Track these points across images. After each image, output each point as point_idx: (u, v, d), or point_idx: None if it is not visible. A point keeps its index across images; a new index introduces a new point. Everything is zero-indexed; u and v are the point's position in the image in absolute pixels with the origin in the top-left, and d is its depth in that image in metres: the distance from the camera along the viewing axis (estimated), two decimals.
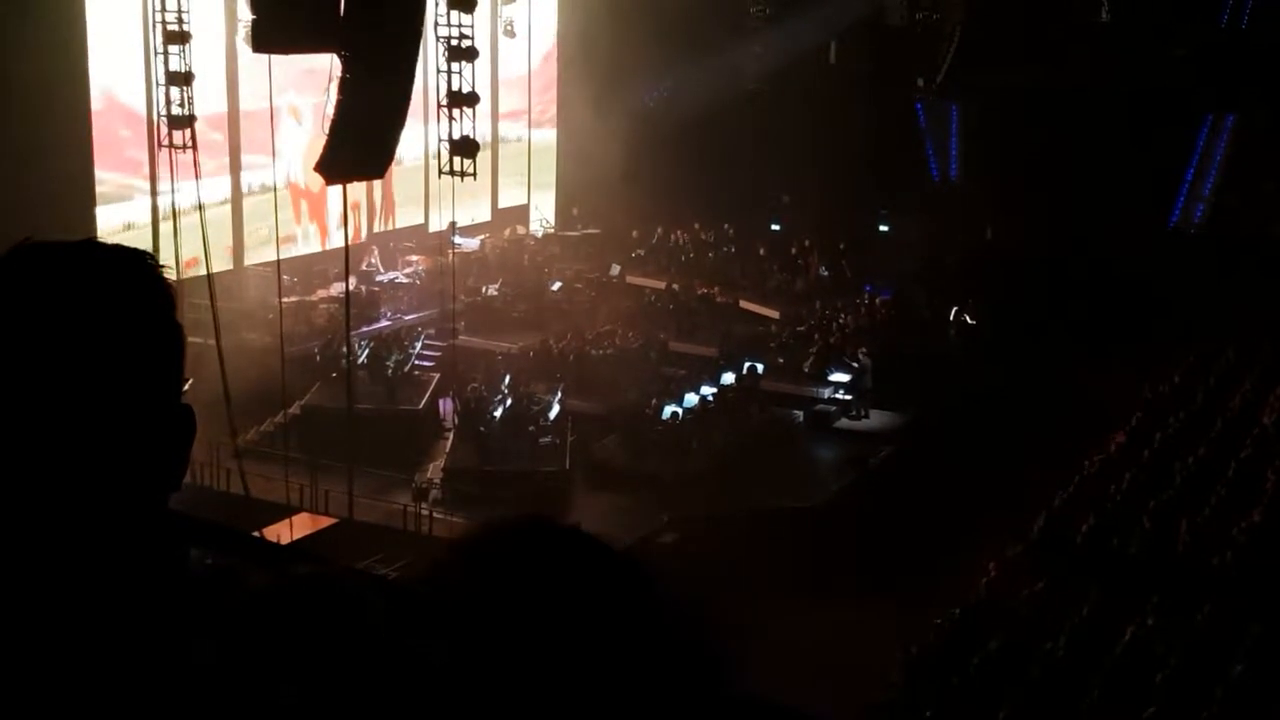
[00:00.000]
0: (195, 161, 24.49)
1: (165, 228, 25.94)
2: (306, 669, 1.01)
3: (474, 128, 25.59)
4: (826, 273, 35.85)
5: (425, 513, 22.41)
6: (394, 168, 25.83)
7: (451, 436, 25.40)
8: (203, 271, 23.78)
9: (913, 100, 38.96)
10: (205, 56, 26.79)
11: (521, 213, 38.49)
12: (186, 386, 1.27)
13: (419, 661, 0.94)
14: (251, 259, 29.08)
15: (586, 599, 0.95)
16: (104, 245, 1.25)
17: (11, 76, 22.92)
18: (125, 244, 1.28)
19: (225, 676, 1.13)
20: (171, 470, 1.23)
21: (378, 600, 1.04)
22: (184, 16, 24.44)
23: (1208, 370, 29.34)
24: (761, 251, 36.35)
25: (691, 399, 26.52)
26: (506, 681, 0.92)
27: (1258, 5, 37.31)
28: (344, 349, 25.53)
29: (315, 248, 31.06)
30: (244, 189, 29.96)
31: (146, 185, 27.15)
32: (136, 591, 1.18)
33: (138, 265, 1.24)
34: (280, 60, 24.66)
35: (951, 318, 32.72)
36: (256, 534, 18.17)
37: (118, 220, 27.12)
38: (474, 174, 26.21)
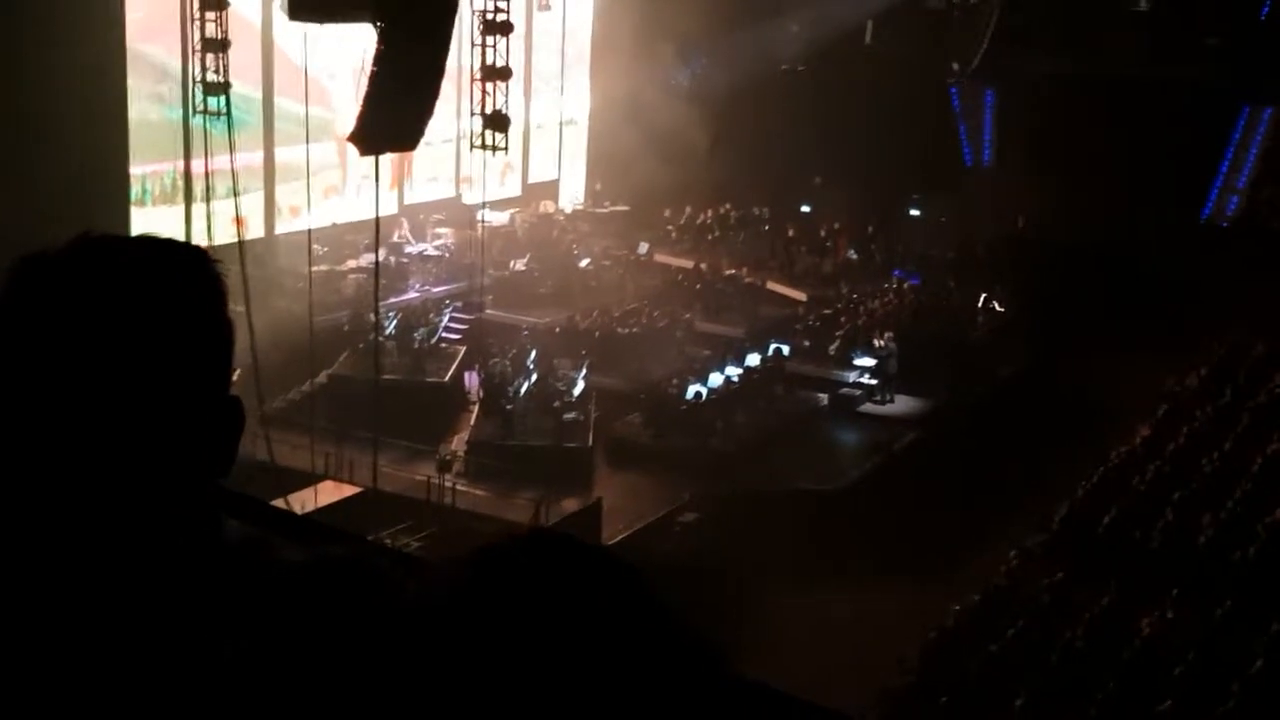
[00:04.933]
0: (230, 128, 24.55)
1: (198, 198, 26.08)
2: (338, 651, 1.05)
3: (506, 102, 25.58)
4: (855, 256, 35.75)
5: (449, 484, 22.52)
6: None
7: (476, 409, 25.48)
8: (234, 236, 23.93)
9: (947, 84, 38.75)
10: (241, 24, 26.84)
11: (551, 188, 38.50)
12: (235, 376, 1.32)
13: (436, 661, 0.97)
14: (303, 220, 28.96)
15: (585, 621, 0.98)
16: (160, 241, 1.29)
17: (45, 44, 23.04)
18: (178, 239, 1.32)
19: (259, 657, 1.17)
20: (220, 458, 1.28)
21: (408, 583, 1.08)
22: None
23: (1236, 364, 29.15)
24: (791, 233, 36.27)
25: (716, 379, 26.52)
26: (502, 696, 0.96)
27: None
28: (372, 319, 25.63)
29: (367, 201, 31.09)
30: (275, 154, 30.09)
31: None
32: (180, 569, 1.23)
33: (193, 261, 1.28)
34: (315, 28, 24.68)
35: (980, 305, 32.60)
36: (281, 501, 18.32)
37: (148, 180, 27.32)
38: (505, 148, 26.22)
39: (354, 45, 27.29)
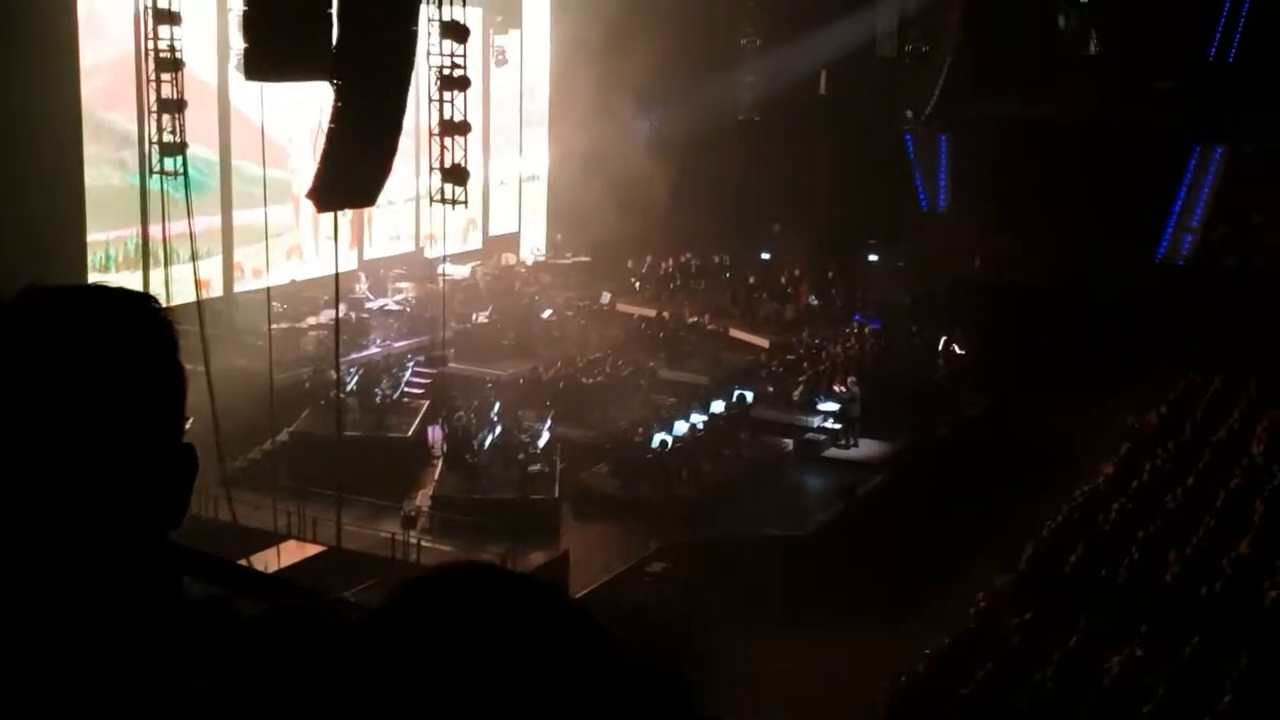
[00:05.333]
0: (186, 184, 24.50)
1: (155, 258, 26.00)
2: (292, 704, 1.03)
3: (465, 157, 25.65)
4: (816, 302, 35.94)
5: (414, 541, 22.34)
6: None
7: (440, 464, 25.33)
8: (194, 297, 23.83)
9: (902, 131, 39.15)
10: (198, 85, 26.88)
11: (512, 240, 38.59)
12: (187, 425, 1.30)
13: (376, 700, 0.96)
14: (263, 279, 28.89)
15: (520, 652, 0.97)
16: (109, 289, 1.28)
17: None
18: (126, 287, 1.30)
19: (219, 708, 1.14)
20: (173, 508, 1.26)
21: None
22: (176, 45, 24.50)
23: (1196, 401, 29.42)
24: (751, 280, 36.45)
25: (681, 427, 26.51)
26: None
27: (1245, 38, 37.59)
28: (333, 375, 25.51)
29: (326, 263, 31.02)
30: (234, 216, 30.06)
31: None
32: (135, 624, 1.20)
33: (142, 309, 1.27)
34: (272, 88, 24.75)
35: (940, 347, 32.80)
36: (244, 562, 18.12)
37: (111, 247, 27.28)
38: (465, 202, 26.24)
39: (311, 105, 27.37)
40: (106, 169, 27.44)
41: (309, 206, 25.32)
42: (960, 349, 32.66)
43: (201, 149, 27.60)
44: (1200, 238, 37.24)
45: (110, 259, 27.59)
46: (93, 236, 27.23)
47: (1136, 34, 36.88)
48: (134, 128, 26.67)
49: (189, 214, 23.99)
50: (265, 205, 26.61)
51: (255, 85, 24.11)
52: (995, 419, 29.58)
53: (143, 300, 1.28)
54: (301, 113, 29.07)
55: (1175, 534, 22.06)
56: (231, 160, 29.94)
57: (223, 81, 29.33)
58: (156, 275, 25.53)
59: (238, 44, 23.84)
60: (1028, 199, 34.05)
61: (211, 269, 28.85)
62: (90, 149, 27.01)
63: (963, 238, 35.62)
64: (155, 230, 25.75)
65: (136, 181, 26.39)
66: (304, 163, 28.37)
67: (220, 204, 29.81)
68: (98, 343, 1.21)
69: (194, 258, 24.65)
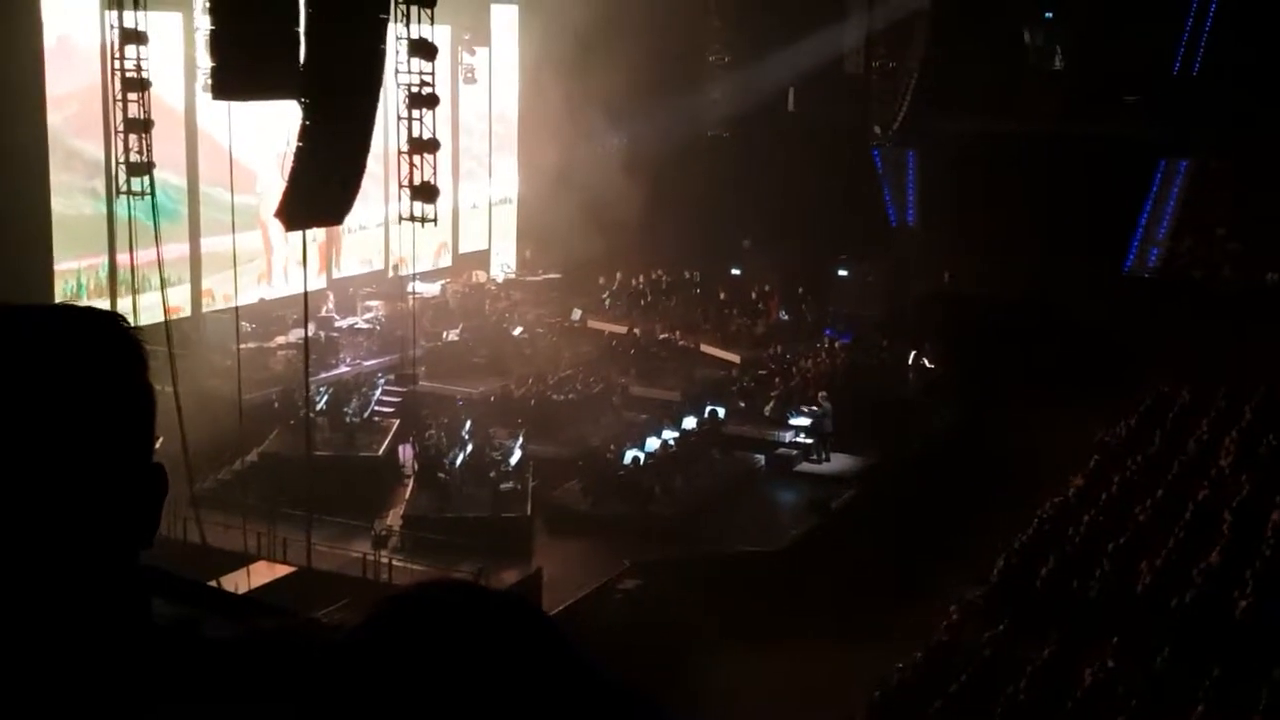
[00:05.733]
0: (154, 207, 24.38)
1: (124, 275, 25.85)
2: None
3: (434, 174, 25.61)
4: (787, 317, 36.02)
5: (385, 560, 22.24)
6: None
7: (411, 483, 25.24)
8: (160, 319, 23.70)
9: (870, 147, 39.34)
10: (165, 109, 26.77)
11: (482, 258, 38.55)
12: (157, 445, 1.28)
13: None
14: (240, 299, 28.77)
15: (498, 670, 0.96)
16: (76, 308, 1.26)
17: None
18: (94, 306, 1.29)
19: None
20: (143, 528, 1.24)
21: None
22: (143, 64, 24.40)
23: (1164, 413, 29.61)
24: (722, 296, 36.52)
25: (653, 443, 26.51)
26: None
27: (1209, 51, 37.97)
28: (303, 395, 25.39)
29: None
30: (203, 238, 29.92)
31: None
32: (104, 646, 1.18)
33: (110, 327, 1.25)
34: (240, 111, 24.76)
35: (910, 361, 32.93)
36: (214, 583, 17.99)
37: (82, 274, 27.14)
38: (434, 220, 26.20)
39: (279, 128, 27.29)
40: (78, 197, 27.37)
41: (278, 231, 25.25)
42: (930, 363, 32.79)
43: (170, 174, 27.52)
44: (1167, 250, 37.53)
45: (81, 286, 27.47)
46: (64, 265, 27.12)
47: (1102, 49, 37.22)
48: (105, 154, 26.58)
49: (157, 239, 23.78)
50: (234, 232, 26.50)
51: (223, 109, 24.10)
52: (965, 433, 29.69)
53: (110, 319, 1.26)
54: (269, 137, 28.98)
55: (1145, 545, 22.18)
56: (200, 186, 29.83)
57: (190, 106, 29.26)
58: (125, 303, 25.36)
59: (205, 65, 23.79)
60: (996, 213, 34.25)
61: (180, 296, 28.72)
62: (61, 177, 26.96)
63: (932, 252, 35.80)
64: (125, 258, 25.59)
65: (106, 210, 26.31)
66: (273, 186, 28.30)
67: (189, 230, 29.68)
68: (65, 361, 1.20)
69: (163, 285, 24.52)
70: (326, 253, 33.15)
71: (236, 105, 23.91)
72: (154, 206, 23.74)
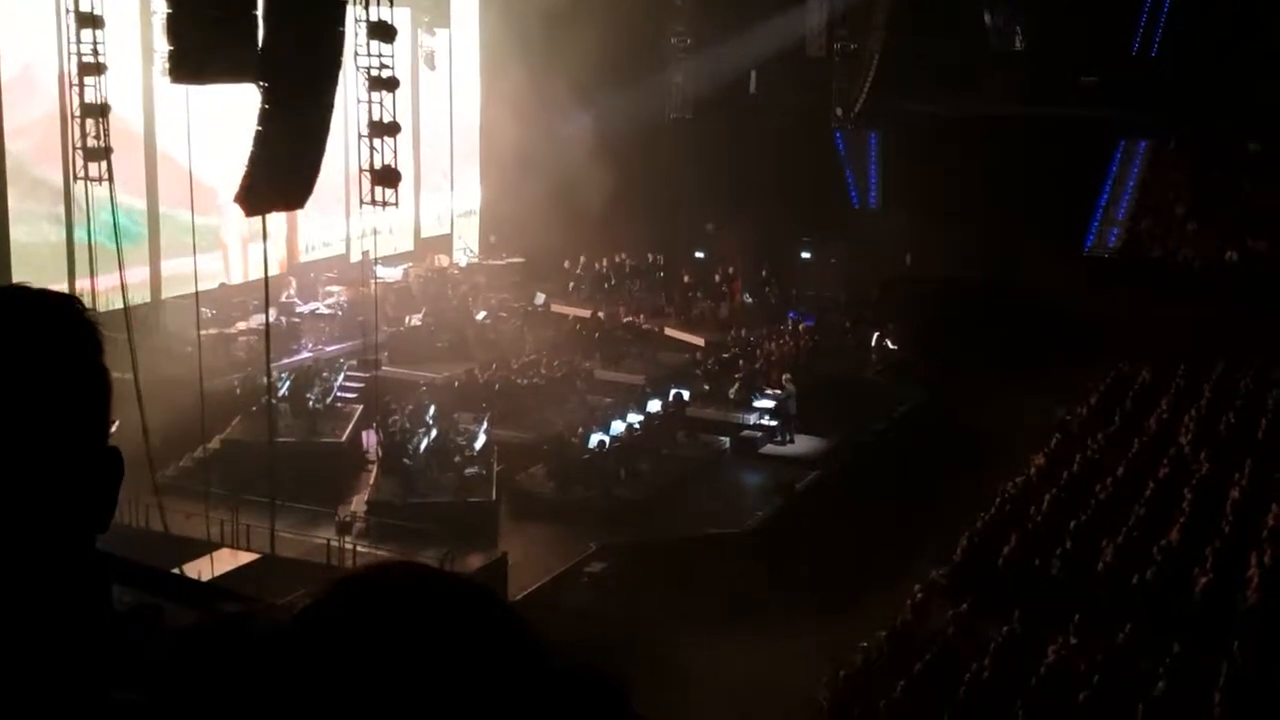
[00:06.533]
0: (112, 194, 24.15)
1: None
2: (223, 704, 1.01)
3: (395, 157, 25.47)
4: (750, 300, 36.09)
5: (349, 547, 22.16)
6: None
7: (375, 469, 25.15)
8: (119, 304, 23.44)
9: (832, 129, 39.41)
10: (121, 88, 26.52)
11: (444, 242, 38.40)
12: (113, 429, 1.27)
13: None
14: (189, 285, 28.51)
15: (449, 651, 0.96)
16: (30, 290, 1.25)
17: None
18: (50, 289, 1.27)
19: (144, 717, 1.11)
20: (99, 512, 1.23)
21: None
22: (99, 48, 24.14)
23: (1124, 392, 29.86)
24: (686, 279, 36.53)
25: (618, 427, 26.52)
26: None
27: (1168, 33, 38.22)
28: (264, 381, 25.23)
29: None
30: (161, 223, 29.65)
31: (62, 217, 26.85)
32: (60, 631, 1.17)
33: (64, 310, 1.24)
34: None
35: (873, 343, 33.06)
36: (176, 571, 17.88)
37: (33, 251, 26.81)
38: (396, 203, 26.06)
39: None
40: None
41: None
42: (893, 344, 32.94)
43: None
44: (1126, 230, 37.80)
45: None
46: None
47: (1061, 30, 37.41)
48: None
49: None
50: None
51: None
52: (928, 413, 29.86)
53: (65, 301, 1.25)
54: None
55: (1106, 524, 22.36)
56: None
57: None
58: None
59: (162, 47, 23.55)
60: (957, 195, 34.40)
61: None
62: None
63: (894, 234, 35.92)
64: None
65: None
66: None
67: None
68: (18, 342, 1.18)
69: (120, 262, 24.26)
70: (291, 243, 32.95)
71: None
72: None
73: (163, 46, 22.98)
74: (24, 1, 26.68)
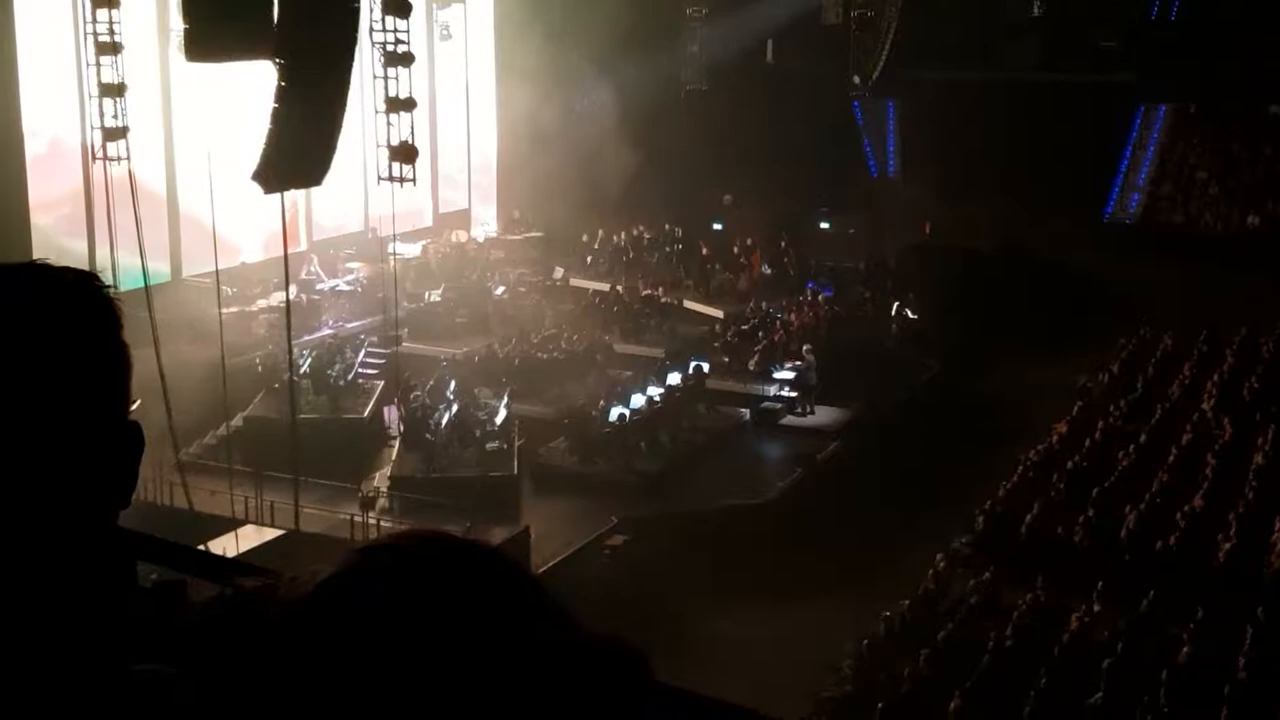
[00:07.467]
0: (130, 172, 24.19)
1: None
2: (253, 684, 1.02)
3: (412, 133, 25.44)
4: (769, 271, 35.98)
5: (373, 522, 22.27)
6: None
7: (397, 444, 25.25)
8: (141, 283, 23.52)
9: (850, 98, 39.22)
10: (138, 68, 26.53)
11: (463, 217, 38.38)
12: (134, 406, 1.28)
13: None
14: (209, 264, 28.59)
15: (472, 620, 0.96)
16: (51, 267, 1.26)
17: None
18: (70, 265, 1.28)
19: (175, 695, 1.12)
20: (120, 487, 1.24)
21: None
22: (115, 28, 24.14)
23: (1145, 359, 29.73)
24: (704, 251, 36.44)
25: (638, 400, 26.53)
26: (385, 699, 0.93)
27: None
28: (286, 359, 25.31)
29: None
30: (180, 201, 29.75)
31: (82, 199, 26.97)
32: (85, 608, 1.18)
33: (84, 286, 1.24)
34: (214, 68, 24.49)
35: (893, 313, 32.95)
36: (202, 548, 17.99)
37: (54, 234, 26.93)
38: (414, 180, 26.05)
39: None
40: None
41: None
42: (913, 314, 32.81)
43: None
44: (1147, 196, 37.57)
45: None
46: None
47: None
48: (101, 252, 25.71)
49: (133, 189, 23.59)
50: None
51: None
52: (949, 382, 29.78)
53: (85, 278, 1.26)
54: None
55: (1129, 491, 22.31)
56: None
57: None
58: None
59: (178, 25, 23.56)
60: (976, 162, 34.22)
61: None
62: None
63: (913, 203, 35.77)
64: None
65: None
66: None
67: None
68: (40, 323, 1.19)
69: (140, 242, 24.31)
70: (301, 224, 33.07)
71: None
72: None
73: (178, 25, 23.03)
74: (49, 76, 26.75)
